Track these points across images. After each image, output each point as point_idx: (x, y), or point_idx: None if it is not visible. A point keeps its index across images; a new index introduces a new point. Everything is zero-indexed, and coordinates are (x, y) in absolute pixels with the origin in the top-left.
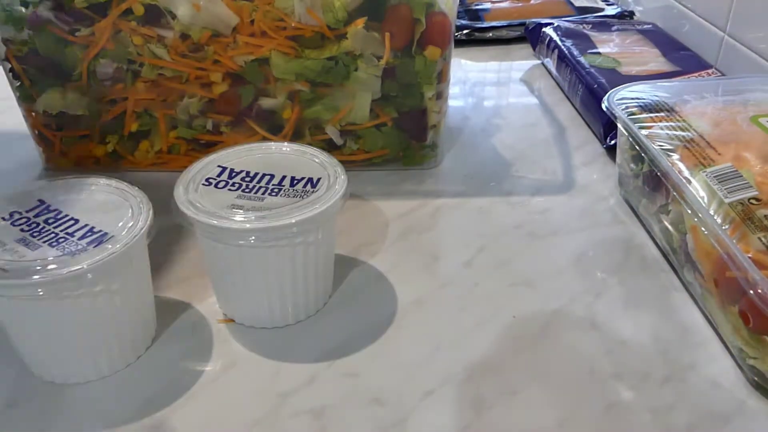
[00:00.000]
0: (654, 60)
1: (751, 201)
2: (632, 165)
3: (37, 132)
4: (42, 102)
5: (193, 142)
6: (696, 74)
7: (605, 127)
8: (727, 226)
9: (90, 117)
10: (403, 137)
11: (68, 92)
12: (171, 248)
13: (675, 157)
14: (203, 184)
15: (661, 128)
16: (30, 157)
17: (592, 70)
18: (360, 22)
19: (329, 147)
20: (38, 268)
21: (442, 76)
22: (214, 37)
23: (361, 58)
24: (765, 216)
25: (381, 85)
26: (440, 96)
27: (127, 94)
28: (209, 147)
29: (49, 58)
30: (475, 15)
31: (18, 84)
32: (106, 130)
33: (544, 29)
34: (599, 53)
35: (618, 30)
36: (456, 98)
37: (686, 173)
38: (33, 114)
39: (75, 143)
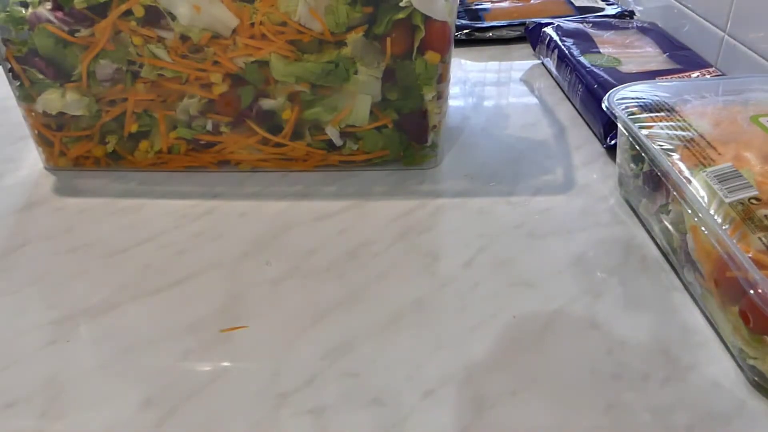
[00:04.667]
0: (654, 60)
1: (752, 201)
2: (632, 165)
3: (37, 132)
4: (42, 102)
5: (193, 142)
6: (696, 72)
7: (605, 127)
8: (727, 226)
9: (90, 117)
10: (403, 139)
11: (68, 92)
12: None
13: (675, 156)
14: None
15: (661, 128)
16: (30, 157)
17: (593, 69)
18: (360, 30)
19: (329, 147)
20: None
21: (442, 77)
22: (213, 38)
23: (361, 61)
24: (765, 216)
25: (381, 88)
26: (440, 96)
27: (126, 95)
28: (209, 147)
29: (49, 58)
30: (475, 15)
31: (18, 84)
32: (106, 130)
33: (544, 29)
34: (599, 53)
35: (618, 30)
36: (456, 98)
37: (686, 173)
38: (33, 114)
39: (75, 143)
